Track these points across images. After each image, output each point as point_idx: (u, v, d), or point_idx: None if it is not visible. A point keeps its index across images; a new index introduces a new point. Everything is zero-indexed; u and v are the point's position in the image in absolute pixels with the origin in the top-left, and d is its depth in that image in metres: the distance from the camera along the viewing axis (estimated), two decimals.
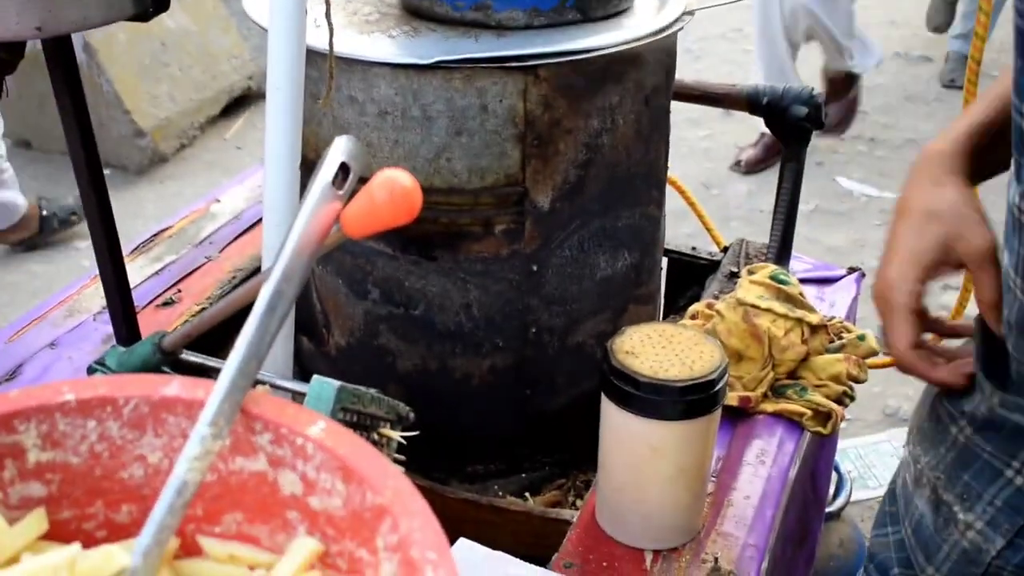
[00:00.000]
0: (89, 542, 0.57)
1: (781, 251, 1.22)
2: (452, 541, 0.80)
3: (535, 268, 0.99)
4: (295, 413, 0.55)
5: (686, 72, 1.13)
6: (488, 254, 0.98)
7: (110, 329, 1.04)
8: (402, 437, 0.69)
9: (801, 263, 1.32)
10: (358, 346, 1.06)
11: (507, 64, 0.88)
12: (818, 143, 3.35)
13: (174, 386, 0.56)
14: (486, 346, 1.02)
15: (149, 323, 1.15)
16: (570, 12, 0.94)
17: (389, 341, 1.04)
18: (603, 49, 0.90)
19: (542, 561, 0.82)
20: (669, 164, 1.13)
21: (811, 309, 1.01)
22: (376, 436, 0.68)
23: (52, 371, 1.10)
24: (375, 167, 0.60)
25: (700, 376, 0.78)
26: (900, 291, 0.79)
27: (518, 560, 0.80)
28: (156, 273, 1.28)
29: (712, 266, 1.32)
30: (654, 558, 0.84)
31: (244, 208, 1.44)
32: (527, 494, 1.08)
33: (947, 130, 0.83)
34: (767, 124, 1.19)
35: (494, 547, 0.81)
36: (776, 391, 1.02)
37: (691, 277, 1.35)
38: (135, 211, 3.17)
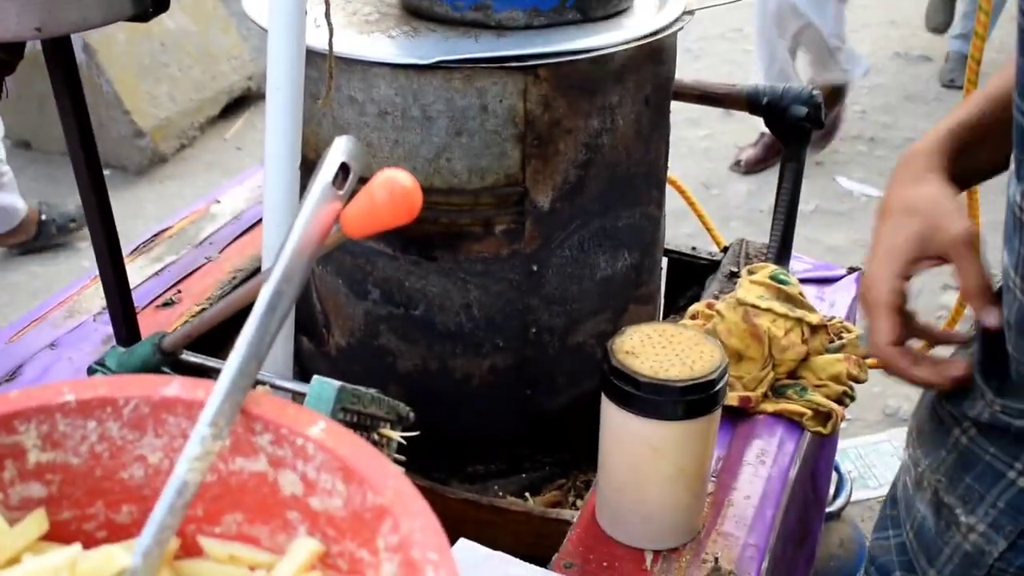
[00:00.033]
0: (89, 543, 0.57)
1: (781, 251, 1.22)
2: (452, 541, 0.80)
3: (535, 268, 0.99)
4: (295, 413, 0.55)
5: (686, 72, 1.13)
6: (488, 254, 0.98)
7: (110, 330, 1.04)
8: (402, 437, 0.69)
9: (801, 263, 1.32)
10: (358, 346, 1.06)
11: (507, 64, 0.88)
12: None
13: (174, 386, 0.56)
14: (486, 346, 1.02)
15: (149, 324, 1.14)
16: (570, 12, 0.94)
17: (389, 341, 1.04)
18: (603, 49, 0.90)
19: (542, 561, 0.82)
20: (669, 164, 1.13)
21: (811, 309, 1.01)
22: (376, 436, 0.68)
23: (52, 372, 1.10)
24: (375, 167, 0.60)
25: (700, 376, 0.78)
26: (880, 288, 0.79)
27: (518, 560, 0.80)
28: (156, 274, 1.28)
29: (712, 266, 1.32)
30: (654, 558, 0.84)
31: (244, 208, 1.44)
32: (527, 494, 1.08)
33: (930, 131, 0.84)
34: (767, 124, 1.19)
35: (494, 547, 0.81)
36: (776, 391, 1.02)
37: (691, 277, 1.35)
38: (135, 211, 3.16)
